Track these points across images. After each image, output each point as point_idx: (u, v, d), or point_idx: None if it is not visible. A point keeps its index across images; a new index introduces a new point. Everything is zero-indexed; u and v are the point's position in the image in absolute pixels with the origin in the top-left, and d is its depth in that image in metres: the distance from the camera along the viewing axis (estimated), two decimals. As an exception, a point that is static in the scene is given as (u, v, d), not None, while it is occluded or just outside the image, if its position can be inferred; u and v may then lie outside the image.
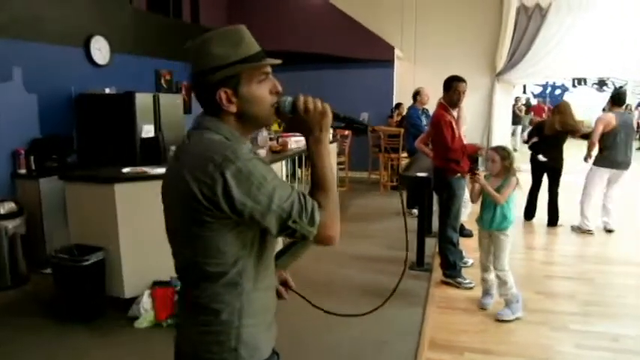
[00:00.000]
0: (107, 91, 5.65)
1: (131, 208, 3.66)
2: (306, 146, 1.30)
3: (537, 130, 6.45)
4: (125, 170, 3.90)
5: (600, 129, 5.72)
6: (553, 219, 6.27)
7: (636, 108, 15.84)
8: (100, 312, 3.62)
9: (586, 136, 5.97)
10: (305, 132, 1.28)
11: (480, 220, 3.81)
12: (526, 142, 6.77)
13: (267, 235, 1.26)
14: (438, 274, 4.45)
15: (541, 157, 6.24)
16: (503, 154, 3.69)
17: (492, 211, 3.68)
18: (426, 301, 3.88)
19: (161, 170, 3.82)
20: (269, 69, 1.27)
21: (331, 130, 1.40)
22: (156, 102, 5.68)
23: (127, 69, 6.48)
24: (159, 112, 5.70)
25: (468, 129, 5.93)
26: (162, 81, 7.40)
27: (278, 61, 1.28)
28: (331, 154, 1.32)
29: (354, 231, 5.76)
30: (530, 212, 6.48)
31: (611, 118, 5.72)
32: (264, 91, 1.26)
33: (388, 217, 6.52)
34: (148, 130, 5.48)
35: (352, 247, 5.14)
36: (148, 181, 3.66)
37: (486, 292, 3.90)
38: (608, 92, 18.92)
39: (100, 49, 5.99)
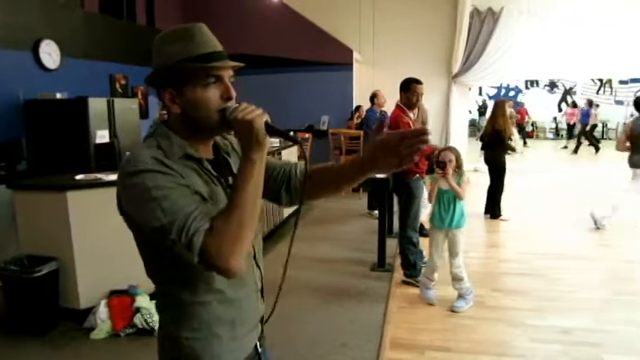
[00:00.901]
0: (58, 96, 5.47)
1: (85, 215, 3.55)
2: None
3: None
4: (78, 177, 3.78)
5: (623, 135, 6.06)
6: (493, 213, 6.62)
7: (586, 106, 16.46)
8: (54, 324, 3.49)
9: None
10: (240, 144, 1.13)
11: (437, 220, 3.88)
12: (481, 140, 7.02)
13: None
14: (399, 274, 4.51)
15: (482, 156, 6.72)
16: (457, 153, 3.87)
17: (452, 210, 3.78)
18: (388, 301, 3.93)
19: (116, 177, 3.73)
20: (224, 72, 1.16)
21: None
22: (110, 107, 5.55)
23: (79, 73, 6.29)
24: (114, 118, 5.57)
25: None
26: (117, 85, 7.23)
27: (232, 64, 1.17)
28: (258, 179, 1.11)
29: (316, 234, 5.77)
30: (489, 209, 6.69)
31: (630, 123, 6.01)
32: (211, 94, 1.14)
33: (350, 220, 6.56)
34: (102, 136, 5.34)
35: (314, 250, 5.14)
36: (103, 188, 3.55)
37: (427, 287, 4.00)
38: (558, 93, 19.66)
39: (50, 53, 5.81)
